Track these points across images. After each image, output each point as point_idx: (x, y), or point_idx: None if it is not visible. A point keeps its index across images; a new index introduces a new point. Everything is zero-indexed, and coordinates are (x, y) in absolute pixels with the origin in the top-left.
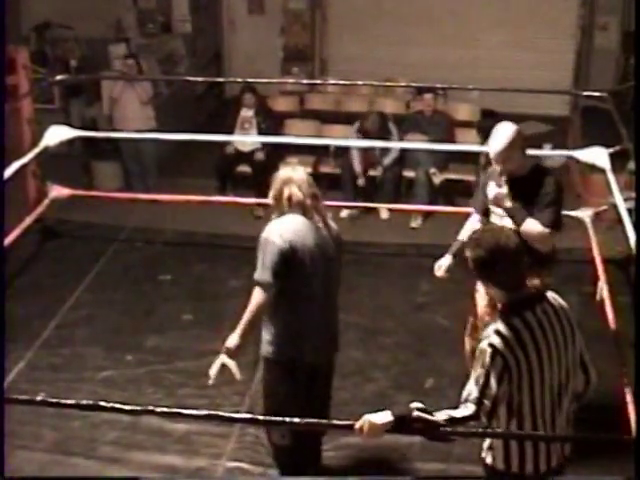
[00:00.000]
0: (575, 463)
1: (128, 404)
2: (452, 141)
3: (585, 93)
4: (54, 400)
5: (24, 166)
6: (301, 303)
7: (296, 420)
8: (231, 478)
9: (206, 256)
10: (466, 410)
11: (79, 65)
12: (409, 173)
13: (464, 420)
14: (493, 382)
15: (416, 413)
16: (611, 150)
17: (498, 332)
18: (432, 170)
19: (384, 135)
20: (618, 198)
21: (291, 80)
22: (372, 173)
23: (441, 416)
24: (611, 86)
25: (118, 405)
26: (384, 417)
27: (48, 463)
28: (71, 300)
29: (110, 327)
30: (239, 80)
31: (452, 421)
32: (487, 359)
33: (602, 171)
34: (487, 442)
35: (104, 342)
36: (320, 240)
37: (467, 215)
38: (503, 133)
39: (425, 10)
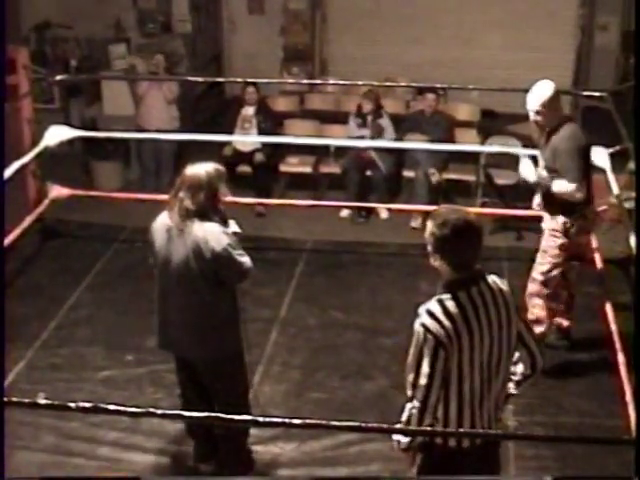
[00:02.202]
0: (575, 463)
1: (128, 404)
2: (452, 141)
3: (585, 93)
4: (55, 402)
5: (24, 166)
6: (156, 293)
7: (295, 421)
8: (230, 478)
9: None
10: (413, 409)
11: (79, 65)
12: (409, 173)
13: (419, 419)
14: (427, 362)
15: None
16: (611, 150)
17: (429, 311)
18: (431, 170)
19: (376, 113)
20: (618, 198)
21: (291, 80)
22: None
23: (402, 438)
24: (611, 86)
25: (119, 407)
26: None
27: (48, 464)
28: (71, 300)
29: (110, 327)
30: (239, 80)
31: (412, 431)
32: (420, 339)
33: (602, 171)
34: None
35: (104, 342)
36: (168, 241)
37: None
38: (541, 90)
39: (425, 10)
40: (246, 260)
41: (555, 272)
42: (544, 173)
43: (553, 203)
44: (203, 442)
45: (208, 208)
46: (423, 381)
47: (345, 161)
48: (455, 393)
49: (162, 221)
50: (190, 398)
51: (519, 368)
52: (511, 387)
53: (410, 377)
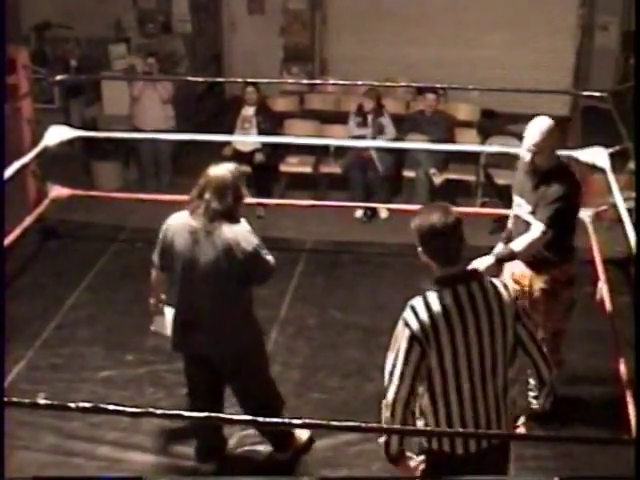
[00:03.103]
0: (576, 463)
1: (128, 404)
2: (452, 141)
3: (585, 93)
4: (55, 402)
5: (24, 166)
6: (177, 294)
7: (295, 421)
8: (231, 478)
9: None
10: (386, 411)
11: (79, 65)
12: (409, 173)
13: (392, 411)
14: (401, 354)
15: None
16: (611, 150)
17: (411, 305)
18: (432, 171)
19: (378, 112)
20: (618, 198)
21: (291, 80)
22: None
23: (382, 439)
24: (611, 86)
25: (119, 407)
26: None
27: (48, 464)
28: (71, 300)
29: (110, 327)
30: (239, 80)
31: (389, 430)
32: (398, 331)
33: (602, 171)
34: (420, 423)
35: (104, 342)
36: (194, 243)
37: (467, 215)
38: (542, 125)
39: (425, 10)
40: (271, 259)
41: (564, 327)
42: (500, 247)
43: (536, 263)
44: (205, 442)
45: (234, 209)
46: (397, 373)
47: (345, 161)
48: (441, 395)
49: (182, 222)
50: (200, 397)
51: (532, 381)
52: (533, 402)
53: (387, 369)
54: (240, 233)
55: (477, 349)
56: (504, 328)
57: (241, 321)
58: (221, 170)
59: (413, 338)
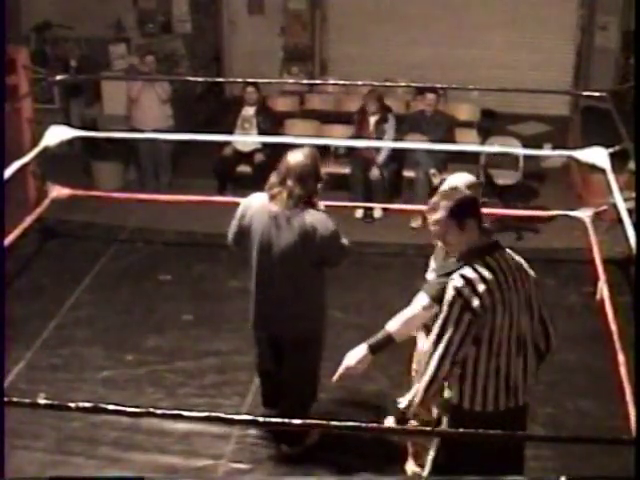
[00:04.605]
0: (575, 463)
1: (128, 404)
2: (452, 141)
3: (585, 93)
4: (55, 402)
5: (24, 166)
6: (254, 275)
7: (296, 421)
8: (231, 479)
9: (206, 256)
10: (426, 376)
11: (79, 65)
12: (409, 173)
13: (431, 383)
14: (452, 324)
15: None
16: (611, 150)
17: (462, 275)
18: (432, 171)
19: (382, 116)
20: (618, 198)
21: (291, 80)
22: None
23: (422, 385)
24: (611, 86)
25: (119, 407)
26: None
27: (48, 463)
28: (71, 300)
29: (110, 327)
30: (239, 80)
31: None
32: (449, 300)
33: (602, 171)
34: (458, 372)
35: (104, 342)
36: (274, 227)
37: None
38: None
39: (425, 10)
40: (346, 242)
41: None
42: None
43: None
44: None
45: (315, 192)
46: (446, 336)
47: (350, 161)
48: (485, 354)
49: (262, 205)
50: (268, 374)
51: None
52: None
53: (434, 331)
54: (318, 218)
55: (508, 316)
56: (530, 295)
57: (313, 303)
58: (301, 157)
59: (465, 309)
